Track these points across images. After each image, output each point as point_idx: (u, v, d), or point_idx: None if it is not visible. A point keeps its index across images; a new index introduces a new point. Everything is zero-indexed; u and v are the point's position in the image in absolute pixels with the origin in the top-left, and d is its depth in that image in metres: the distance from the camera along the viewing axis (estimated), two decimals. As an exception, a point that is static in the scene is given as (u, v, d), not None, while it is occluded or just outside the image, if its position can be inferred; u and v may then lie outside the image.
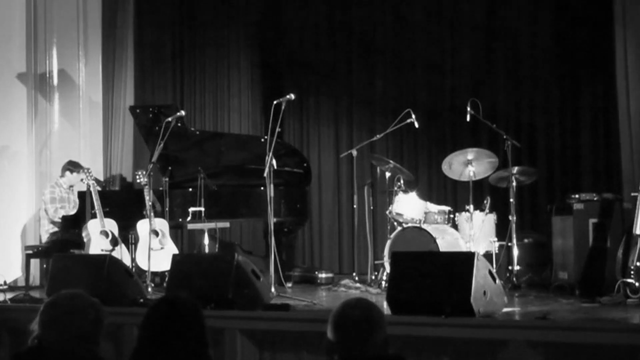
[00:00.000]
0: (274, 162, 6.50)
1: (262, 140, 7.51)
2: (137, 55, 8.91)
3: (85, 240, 7.08)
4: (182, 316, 2.64)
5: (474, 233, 7.06)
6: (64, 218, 7.36)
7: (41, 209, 7.55)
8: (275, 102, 6.63)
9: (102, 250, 6.91)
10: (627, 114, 6.99)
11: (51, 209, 7.39)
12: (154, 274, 6.96)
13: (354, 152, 7.73)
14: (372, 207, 7.75)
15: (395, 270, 5.24)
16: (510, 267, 6.88)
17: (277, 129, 6.58)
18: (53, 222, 7.39)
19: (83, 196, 7.47)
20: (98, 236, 7.02)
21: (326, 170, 9.57)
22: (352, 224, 8.26)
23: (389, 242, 7.11)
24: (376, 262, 7.45)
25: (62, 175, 7.60)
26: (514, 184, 7.01)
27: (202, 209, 7.50)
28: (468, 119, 7.26)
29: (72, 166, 7.58)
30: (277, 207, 7.27)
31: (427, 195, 8.15)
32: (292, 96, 6.67)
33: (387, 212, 7.37)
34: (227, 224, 8.16)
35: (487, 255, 6.85)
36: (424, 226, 7.04)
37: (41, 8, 8.17)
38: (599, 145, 8.30)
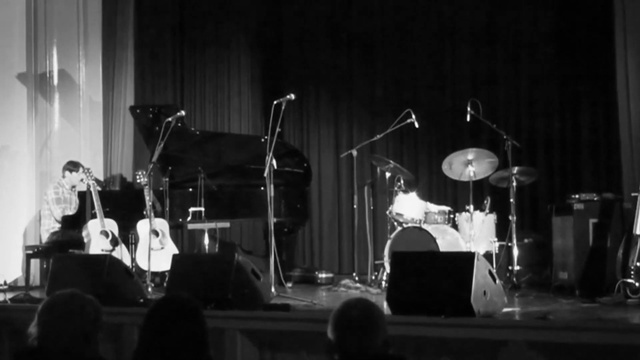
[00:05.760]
0: (274, 162, 6.50)
1: (262, 140, 7.51)
2: (137, 55, 8.92)
3: (85, 240, 7.08)
4: (183, 316, 2.64)
5: (474, 233, 7.06)
6: (64, 218, 7.37)
7: (42, 209, 7.54)
8: (275, 102, 6.63)
9: (102, 250, 6.91)
10: (627, 114, 6.99)
11: (57, 210, 7.38)
12: (154, 274, 6.96)
13: (354, 152, 7.73)
14: (372, 207, 7.75)
15: (395, 270, 5.24)
16: (510, 267, 6.88)
17: (277, 129, 6.58)
18: (57, 221, 7.39)
19: (83, 196, 7.48)
20: (98, 236, 7.02)
21: (326, 170, 9.57)
22: (352, 224, 8.26)
23: (389, 242, 7.11)
24: (376, 262, 7.45)
25: (63, 176, 7.60)
26: (514, 184, 7.01)
27: (202, 209, 7.51)
28: (468, 119, 7.26)
29: (72, 165, 7.58)
30: (277, 207, 7.27)
31: (427, 195, 8.15)
32: (292, 96, 6.67)
33: (387, 212, 7.37)
34: (227, 224, 8.16)
35: (487, 255, 6.85)
36: (424, 226, 7.04)
37: (41, 8, 8.17)
38: (599, 145, 8.30)
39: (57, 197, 7.46)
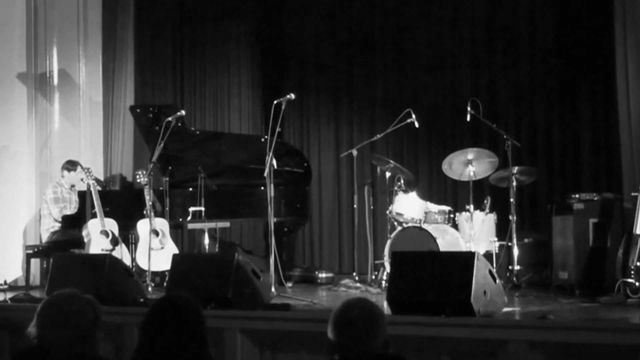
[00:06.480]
0: (274, 161, 6.50)
1: (263, 140, 7.51)
2: (137, 55, 8.92)
3: (85, 240, 7.08)
4: (182, 316, 2.64)
5: (474, 233, 7.06)
6: (64, 218, 7.37)
7: (42, 208, 7.54)
8: (275, 101, 6.63)
9: (102, 249, 6.91)
10: (627, 114, 6.99)
11: (55, 209, 7.40)
12: (154, 273, 6.96)
13: (354, 152, 7.73)
14: (372, 207, 7.74)
15: (395, 270, 5.23)
16: (510, 267, 6.88)
17: (277, 129, 6.58)
18: (57, 220, 7.40)
19: (83, 196, 7.48)
20: (98, 236, 7.03)
21: (326, 170, 9.57)
22: (352, 224, 8.25)
23: (389, 242, 7.11)
24: (376, 262, 7.45)
25: (62, 176, 7.61)
26: (514, 183, 7.01)
27: (202, 208, 7.50)
28: (468, 118, 7.26)
29: (70, 165, 7.60)
30: (277, 207, 7.27)
31: (427, 195, 8.14)
32: (292, 96, 6.67)
33: (387, 212, 7.37)
34: (227, 224, 8.15)
35: (487, 255, 6.84)
36: (424, 226, 7.04)
37: (41, 8, 8.17)
38: (599, 145, 8.30)
39: (56, 197, 7.47)
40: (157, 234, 7.14)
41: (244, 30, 9.88)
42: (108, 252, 6.62)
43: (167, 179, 7.51)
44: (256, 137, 8.39)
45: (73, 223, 7.36)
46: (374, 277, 7.31)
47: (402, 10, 9.31)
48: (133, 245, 7.20)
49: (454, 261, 5.09)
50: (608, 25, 7.34)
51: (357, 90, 9.57)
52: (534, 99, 8.70)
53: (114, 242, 7.04)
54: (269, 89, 9.79)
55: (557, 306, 5.66)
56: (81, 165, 7.53)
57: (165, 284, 6.45)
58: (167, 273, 6.31)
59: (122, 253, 7.03)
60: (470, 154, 7.22)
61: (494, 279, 4.98)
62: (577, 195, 6.71)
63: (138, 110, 8.17)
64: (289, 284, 7.37)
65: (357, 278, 7.36)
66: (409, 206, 7.25)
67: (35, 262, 7.62)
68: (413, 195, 7.31)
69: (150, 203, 6.89)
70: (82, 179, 7.40)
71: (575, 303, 5.81)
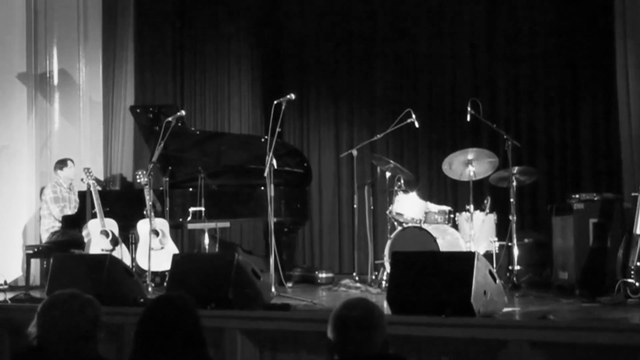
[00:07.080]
0: (274, 161, 6.50)
1: (263, 140, 7.51)
2: (137, 55, 8.92)
3: (85, 240, 7.09)
4: (176, 315, 2.64)
5: (474, 233, 7.06)
6: (64, 218, 7.38)
7: (42, 208, 7.55)
8: (275, 102, 6.63)
9: (102, 250, 6.92)
10: (627, 114, 7.00)
11: (56, 209, 7.41)
12: (154, 273, 6.96)
13: (354, 152, 7.73)
14: (372, 207, 7.75)
15: (396, 270, 5.24)
16: (510, 267, 6.88)
17: (278, 129, 6.58)
18: (58, 220, 7.40)
19: (83, 196, 7.49)
20: (98, 236, 7.03)
21: (326, 170, 9.58)
22: (352, 224, 8.25)
23: (389, 242, 7.11)
24: (376, 262, 7.45)
25: (58, 176, 7.62)
26: (514, 184, 7.01)
27: (202, 208, 7.51)
28: (468, 119, 7.26)
29: (60, 163, 7.65)
30: (277, 207, 7.27)
31: (427, 195, 8.15)
32: (293, 96, 6.67)
33: (387, 212, 7.37)
34: (227, 224, 8.16)
35: (487, 255, 6.84)
36: (424, 226, 7.04)
37: (41, 8, 8.17)
38: (599, 145, 8.30)
39: (55, 196, 7.48)
40: (157, 234, 7.14)
41: (244, 30, 9.88)
42: (108, 252, 6.63)
43: (167, 179, 7.51)
44: (256, 137, 8.39)
45: (73, 223, 7.36)
46: (374, 277, 7.31)
47: (402, 10, 9.31)
48: (133, 245, 7.20)
49: (454, 261, 5.09)
50: (608, 25, 7.35)
51: (357, 90, 9.58)
52: (534, 99, 8.70)
53: (114, 242, 7.05)
54: (269, 89, 9.79)
55: (557, 306, 5.66)
56: (72, 161, 7.57)
57: (165, 284, 6.45)
58: (167, 273, 6.31)
59: (122, 253, 7.04)
60: (470, 154, 7.22)
61: (494, 279, 4.98)
62: (577, 195, 6.70)
63: (138, 110, 8.17)
64: (289, 284, 7.38)
65: (357, 278, 7.36)
66: (409, 206, 7.25)
67: (35, 262, 7.62)
68: (413, 195, 7.31)
69: (150, 203, 6.89)
70: (82, 179, 7.41)
71: (575, 303, 5.81)
